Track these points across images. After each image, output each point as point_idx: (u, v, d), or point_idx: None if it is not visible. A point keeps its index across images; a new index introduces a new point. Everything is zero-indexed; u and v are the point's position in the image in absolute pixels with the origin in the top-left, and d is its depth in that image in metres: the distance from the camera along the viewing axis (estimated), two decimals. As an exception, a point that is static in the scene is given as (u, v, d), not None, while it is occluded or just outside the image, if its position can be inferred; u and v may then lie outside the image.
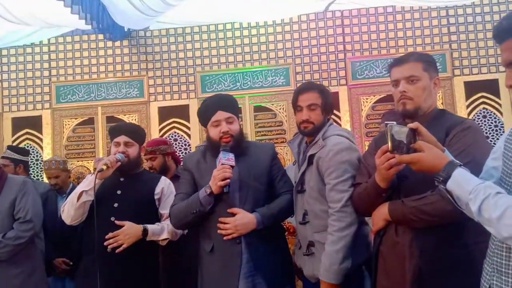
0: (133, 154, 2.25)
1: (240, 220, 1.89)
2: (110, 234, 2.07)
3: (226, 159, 1.86)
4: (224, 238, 1.90)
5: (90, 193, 2.10)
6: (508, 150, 1.14)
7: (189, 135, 4.80)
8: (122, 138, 2.24)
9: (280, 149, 4.55)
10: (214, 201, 1.92)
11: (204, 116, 2.02)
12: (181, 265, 2.56)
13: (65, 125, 4.93)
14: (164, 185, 2.30)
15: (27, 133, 4.95)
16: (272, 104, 4.79)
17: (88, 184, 2.12)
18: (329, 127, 1.94)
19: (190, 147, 4.78)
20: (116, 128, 2.33)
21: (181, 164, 2.55)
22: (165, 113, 4.86)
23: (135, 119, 4.88)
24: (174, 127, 4.84)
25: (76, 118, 4.93)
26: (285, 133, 4.69)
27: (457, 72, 4.64)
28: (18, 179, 2.50)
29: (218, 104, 1.99)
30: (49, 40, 5.02)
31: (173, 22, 4.75)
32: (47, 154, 4.85)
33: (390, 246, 1.59)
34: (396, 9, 4.76)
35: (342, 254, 1.71)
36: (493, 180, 1.13)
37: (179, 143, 4.82)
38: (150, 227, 2.12)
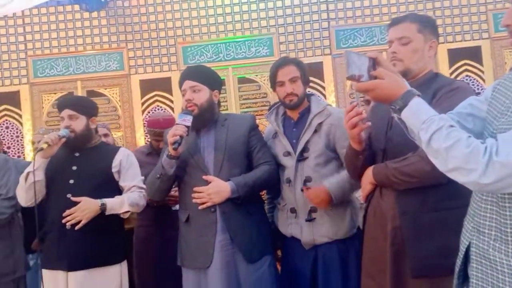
0: (79, 127, 2.16)
1: (214, 188, 1.90)
2: (67, 212, 2.04)
3: (182, 119, 1.89)
4: (199, 207, 1.91)
5: (37, 173, 2.04)
6: (498, 93, 1.12)
7: (172, 109, 4.72)
8: (65, 112, 2.17)
9: (266, 121, 4.52)
10: (185, 169, 1.96)
11: (179, 88, 2.07)
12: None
13: (45, 100, 4.80)
14: (123, 157, 2.23)
15: (5, 109, 4.80)
16: (256, 76, 4.73)
17: (34, 164, 2.06)
18: (317, 97, 2.13)
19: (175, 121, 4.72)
20: (59, 103, 2.26)
21: None
22: (147, 86, 4.75)
23: (116, 93, 4.78)
24: (156, 100, 4.75)
25: (55, 93, 4.79)
26: (269, 105, 4.65)
27: (440, 39, 4.60)
28: None
29: (186, 74, 2.04)
30: (23, 12, 4.81)
31: (152, -9, 4.59)
32: (27, 130, 4.75)
33: (374, 209, 1.62)
34: (380, -25, 4.67)
35: None
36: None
37: (162, 116, 4.75)
38: (108, 201, 2.09)
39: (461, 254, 1.16)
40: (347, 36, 4.66)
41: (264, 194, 2.28)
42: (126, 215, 2.18)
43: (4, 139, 4.67)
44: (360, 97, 1.63)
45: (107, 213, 2.09)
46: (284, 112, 2.10)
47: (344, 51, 1.16)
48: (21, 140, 4.76)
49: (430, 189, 1.47)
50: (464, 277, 1.16)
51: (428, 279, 1.46)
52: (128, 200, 2.13)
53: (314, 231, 1.93)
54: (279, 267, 2.14)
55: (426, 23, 1.61)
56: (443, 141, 1.01)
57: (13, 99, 4.79)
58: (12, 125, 4.80)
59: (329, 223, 1.93)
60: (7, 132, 4.79)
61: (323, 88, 4.62)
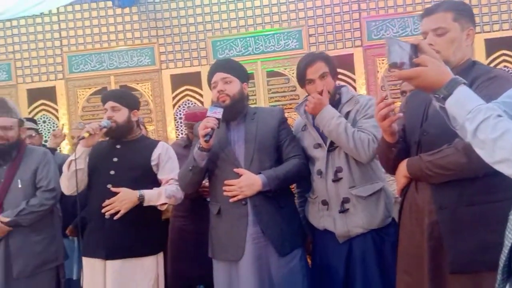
0: (120, 118, 2.23)
1: (245, 181, 1.90)
2: (107, 201, 2.10)
3: (213, 112, 1.89)
4: (230, 200, 1.92)
5: (79, 162, 2.12)
6: None
7: (202, 103, 4.77)
8: (109, 104, 2.24)
9: (294, 114, 4.50)
10: (216, 162, 1.97)
11: (208, 81, 2.07)
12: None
13: (80, 95, 4.95)
14: (162, 150, 2.28)
15: (42, 104, 4.99)
16: (285, 69, 4.70)
17: (76, 153, 2.14)
18: (347, 88, 2.11)
19: (204, 114, 4.76)
20: (103, 95, 2.34)
21: None
22: (177, 81, 4.82)
23: (148, 88, 4.86)
24: (187, 95, 4.81)
25: (89, 88, 4.93)
26: (298, 98, 4.62)
27: (477, 29, 4.44)
28: (38, 150, 2.58)
29: (216, 66, 2.05)
30: (58, 9, 4.96)
31: (182, -14, 4.63)
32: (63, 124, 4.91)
33: (410, 204, 1.58)
34: (414, -37, 4.54)
35: None
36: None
37: (192, 110, 4.80)
38: (146, 192, 2.14)
39: (505, 249, 1.12)
40: (379, 27, 4.56)
41: (294, 188, 2.27)
42: (164, 207, 2.23)
43: (41, 133, 4.84)
44: (390, 89, 1.60)
45: (145, 204, 2.14)
46: None
47: (385, 38, 1.13)
48: (57, 134, 4.92)
49: (467, 182, 1.42)
50: (509, 273, 1.12)
51: (466, 275, 1.42)
52: (166, 193, 2.17)
53: (348, 222, 1.91)
54: (309, 261, 2.13)
55: (461, 10, 1.53)
56: (490, 132, 0.97)
57: (49, 94, 4.97)
58: (49, 120, 4.98)
59: (362, 212, 1.90)
60: (44, 126, 4.97)
61: (354, 80, 4.55)
